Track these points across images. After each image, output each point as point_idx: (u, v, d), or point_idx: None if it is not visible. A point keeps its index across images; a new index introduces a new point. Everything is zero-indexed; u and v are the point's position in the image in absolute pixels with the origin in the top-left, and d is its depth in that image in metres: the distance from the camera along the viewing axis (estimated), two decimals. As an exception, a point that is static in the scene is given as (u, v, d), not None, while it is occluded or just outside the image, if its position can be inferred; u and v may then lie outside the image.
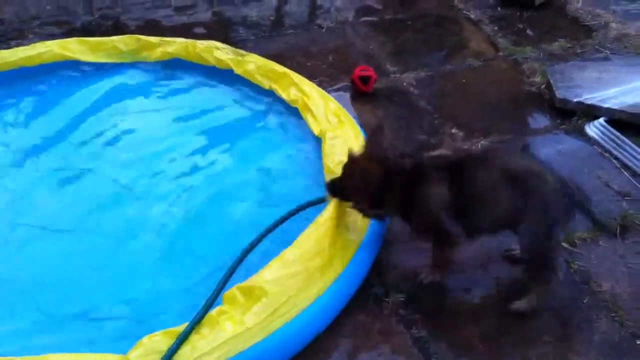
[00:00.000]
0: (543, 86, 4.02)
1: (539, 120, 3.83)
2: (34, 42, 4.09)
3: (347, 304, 2.73)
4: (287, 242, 2.71)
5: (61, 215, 3.09)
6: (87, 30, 4.50)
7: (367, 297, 2.78)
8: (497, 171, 2.62)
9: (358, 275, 2.80)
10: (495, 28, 4.63)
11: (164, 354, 2.30)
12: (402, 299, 2.78)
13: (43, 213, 3.12)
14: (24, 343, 2.49)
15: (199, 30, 4.63)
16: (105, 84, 3.95)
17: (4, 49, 4.02)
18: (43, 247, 2.95)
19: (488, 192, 2.61)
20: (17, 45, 4.10)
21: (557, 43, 4.47)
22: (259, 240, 2.75)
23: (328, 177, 2.95)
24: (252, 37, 4.58)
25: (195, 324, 2.39)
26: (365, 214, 2.84)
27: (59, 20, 4.67)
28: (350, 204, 2.82)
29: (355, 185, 2.69)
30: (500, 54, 4.39)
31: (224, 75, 3.95)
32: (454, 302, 2.78)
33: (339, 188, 2.78)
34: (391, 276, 2.87)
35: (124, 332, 2.58)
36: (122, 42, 4.07)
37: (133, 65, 4.07)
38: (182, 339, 2.34)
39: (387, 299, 2.78)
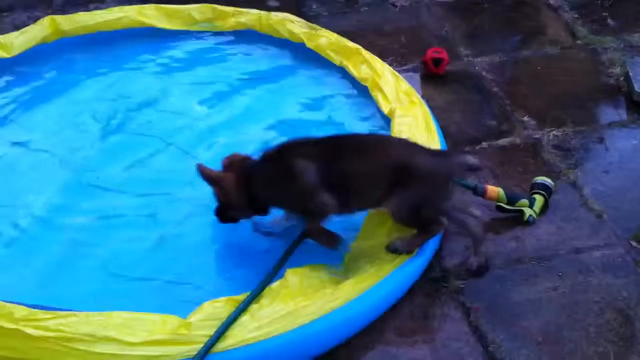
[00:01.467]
0: (622, 78, 3.88)
1: (615, 114, 3.71)
2: (111, 7, 4.17)
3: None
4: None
5: (130, 180, 3.16)
6: (164, -3, 4.54)
7: (427, 281, 2.77)
8: (371, 157, 2.60)
9: (420, 261, 2.78)
10: (575, 15, 4.49)
11: (224, 320, 2.35)
12: (462, 285, 2.76)
13: (109, 175, 3.19)
14: (89, 302, 2.57)
15: (273, 3, 4.63)
16: (180, 52, 4.00)
17: (83, 12, 4.09)
18: (111, 209, 3.02)
19: (359, 178, 2.60)
20: (96, 9, 4.16)
21: (638, 34, 4.31)
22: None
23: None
24: (325, 13, 4.55)
25: (256, 294, 2.43)
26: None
27: (136, -13, 4.73)
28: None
29: (230, 200, 2.68)
30: (579, 42, 4.25)
31: (296, 49, 3.95)
32: (515, 293, 2.74)
33: (223, 212, 2.76)
34: (451, 263, 2.85)
35: (183, 296, 2.64)
36: (197, 11, 4.10)
37: (206, 33, 4.09)
38: (243, 307, 2.39)
39: (446, 285, 2.76)
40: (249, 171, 2.67)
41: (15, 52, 3.77)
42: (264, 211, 2.76)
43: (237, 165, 2.71)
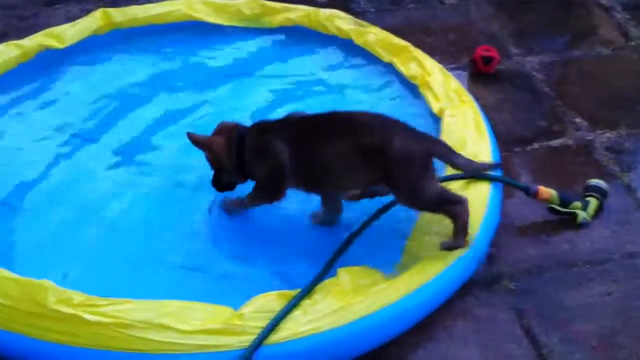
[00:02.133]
0: (676, 81, 3.82)
1: (670, 117, 3.65)
2: (162, 1, 4.19)
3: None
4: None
5: (180, 170, 3.18)
6: (212, -8, 4.55)
7: (479, 281, 2.74)
8: (343, 142, 2.62)
9: (470, 264, 2.75)
10: (628, 16, 4.40)
11: (276, 313, 2.35)
12: (514, 287, 2.73)
13: (158, 163, 3.22)
14: (141, 290, 2.57)
15: (320, -1, 4.63)
16: (226, 47, 4.01)
17: (135, 5, 4.13)
18: (163, 200, 3.05)
19: (331, 161, 2.65)
20: (147, 3, 4.18)
21: (693, 36, 4.22)
22: (374, 217, 2.77)
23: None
24: (372, 10, 4.53)
25: (309, 290, 2.43)
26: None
27: (186, -20, 4.74)
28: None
29: (220, 164, 2.82)
30: (632, 44, 4.17)
31: (344, 45, 3.94)
32: (568, 296, 2.69)
33: (218, 179, 2.87)
34: (504, 264, 2.82)
35: (232, 288, 2.65)
36: (246, 6, 4.11)
37: (254, 29, 4.09)
38: (296, 301, 2.39)
39: (498, 286, 2.73)
40: (240, 136, 2.77)
41: (68, 43, 3.81)
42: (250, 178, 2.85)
43: (225, 130, 2.81)
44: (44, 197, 3.05)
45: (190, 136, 2.81)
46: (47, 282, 2.40)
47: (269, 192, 2.80)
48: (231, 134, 2.78)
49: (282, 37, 4.05)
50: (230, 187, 2.89)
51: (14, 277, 2.43)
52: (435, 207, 2.68)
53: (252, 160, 2.76)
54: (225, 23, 4.08)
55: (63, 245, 2.82)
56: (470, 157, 2.88)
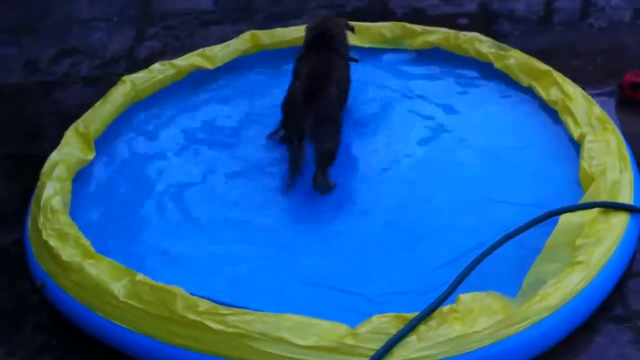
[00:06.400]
0: None
1: None
2: (307, 23, 4.34)
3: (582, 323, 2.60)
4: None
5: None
6: (356, 15, 4.65)
7: (608, 319, 2.62)
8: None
9: (597, 295, 2.65)
10: None
11: (391, 336, 2.36)
12: (647, 327, 2.59)
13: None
14: (263, 301, 2.66)
15: (462, 20, 4.60)
16: (367, 69, 4.08)
17: (282, 27, 4.29)
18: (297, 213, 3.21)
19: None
20: (294, 25, 4.35)
21: None
22: (501, 242, 2.71)
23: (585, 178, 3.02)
24: (517, 32, 4.45)
25: (426, 315, 2.42)
26: None
27: (333, 4, 4.87)
28: None
29: None
30: None
31: (482, 68, 3.90)
32: None
33: None
34: (637, 302, 2.67)
35: (351, 306, 2.68)
36: (387, 29, 4.17)
37: (393, 51, 4.14)
38: (412, 326, 2.38)
39: (628, 325, 2.60)
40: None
41: (218, 63, 4.04)
42: None
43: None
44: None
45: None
46: (178, 289, 2.55)
47: None
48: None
49: (420, 58, 4.08)
50: None
51: (148, 282, 2.60)
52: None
53: None
54: (366, 45, 4.16)
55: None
56: (609, 186, 2.84)
